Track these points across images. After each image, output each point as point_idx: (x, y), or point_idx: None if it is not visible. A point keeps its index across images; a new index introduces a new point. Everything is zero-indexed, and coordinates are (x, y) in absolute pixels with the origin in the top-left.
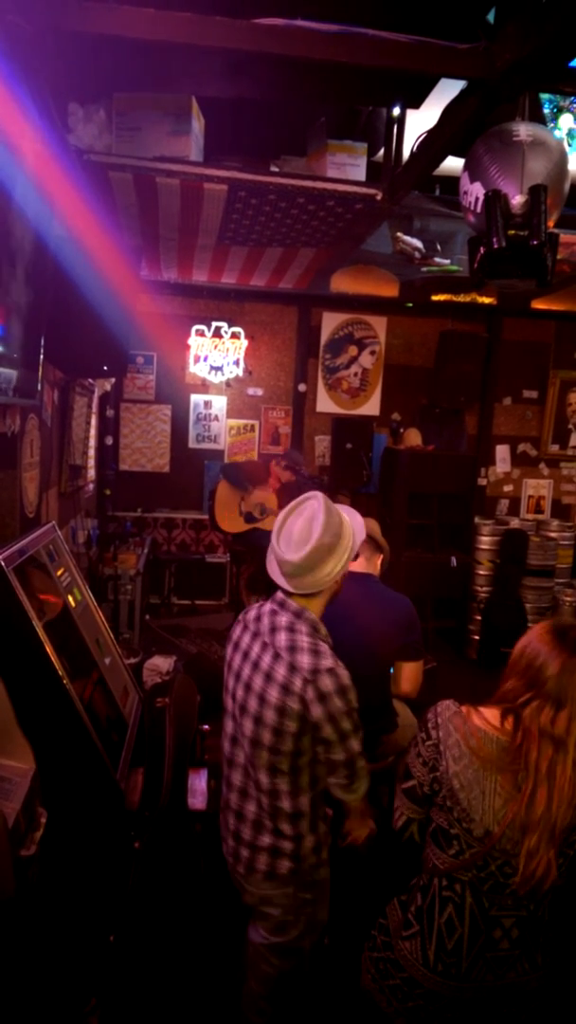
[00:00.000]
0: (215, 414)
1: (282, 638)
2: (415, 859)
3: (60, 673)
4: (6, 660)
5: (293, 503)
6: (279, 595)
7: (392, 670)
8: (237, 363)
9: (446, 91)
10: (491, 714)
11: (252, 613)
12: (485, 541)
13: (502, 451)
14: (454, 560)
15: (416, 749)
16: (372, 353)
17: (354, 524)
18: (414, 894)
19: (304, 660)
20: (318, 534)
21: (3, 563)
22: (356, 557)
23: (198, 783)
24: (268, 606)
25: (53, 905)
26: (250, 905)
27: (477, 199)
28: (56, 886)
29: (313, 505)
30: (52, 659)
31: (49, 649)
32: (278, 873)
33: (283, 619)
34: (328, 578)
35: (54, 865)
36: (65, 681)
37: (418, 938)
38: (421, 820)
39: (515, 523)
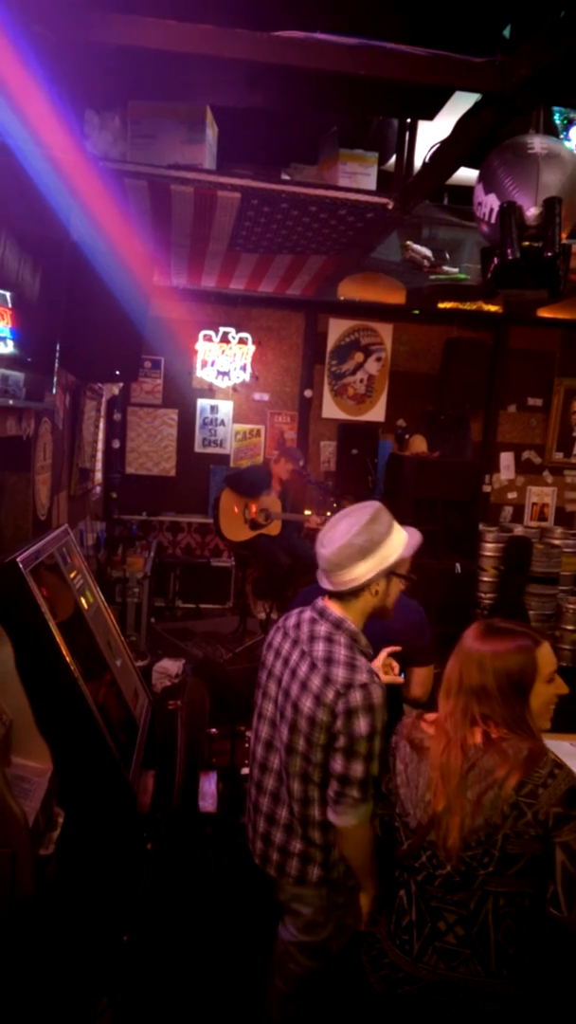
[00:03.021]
0: (221, 419)
1: (320, 648)
2: None
3: (76, 675)
4: (24, 661)
5: (352, 507)
6: (319, 602)
7: (403, 674)
8: (244, 368)
9: (459, 102)
10: (433, 716)
11: (292, 620)
12: (489, 548)
13: (506, 458)
14: (458, 566)
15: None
16: (378, 360)
17: (410, 541)
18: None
19: (339, 673)
20: (352, 533)
21: (21, 565)
22: (408, 581)
23: (208, 786)
24: (308, 614)
25: (68, 904)
26: (282, 902)
27: (492, 210)
28: (71, 885)
29: (364, 509)
30: (68, 661)
31: (65, 651)
32: (308, 879)
33: (322, 628)
34: (359, 581)
35: (69, 865)
36: (80, 682)
37: (385, 916)
38: (383, 816)
39: (519, 530)
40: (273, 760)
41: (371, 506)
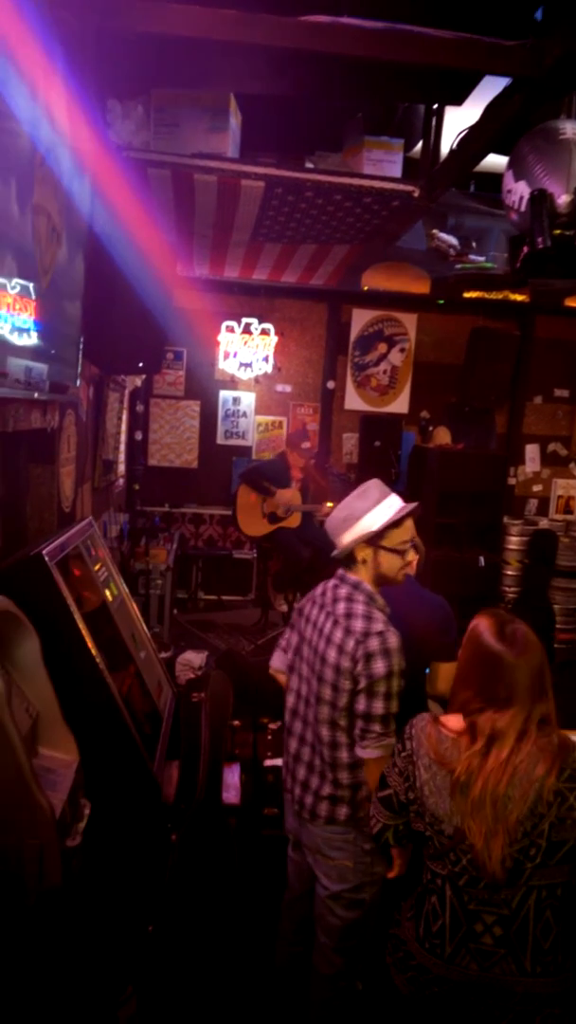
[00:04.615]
0: (243, 410)
1: (341, 607)
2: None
3: (101, 667)
4: (50, 654)
5: None
6: (340, 571)
7: (428, 670)
8: (266, 359)
9: (488, 87)
10: (454, 721)
11: (319, 589)
12: (514, 541)
13: (532, 450)
14: (482, 560)
15: (393, 760)
16: (402, 350)
17: (388, 516)
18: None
19: (358, 624)
20: (338, 508)
21: (47, 558)
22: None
23: (231, 778)
24: (332, 581)
25: (94, 894)
26: (314, 852)
27: (522, 198)
28: (97, 876)
29: (360, 487)
30: (93, 653)
31: (90, 643)
32: (337, 819)
33: (343, 591)
34: (343, 549)
35: (94, 855)
36: (105, 674)
37: (413, 920)
38: (397, 826)
39: (544, 523)
40: (308, 713)
41: (366, 484)
